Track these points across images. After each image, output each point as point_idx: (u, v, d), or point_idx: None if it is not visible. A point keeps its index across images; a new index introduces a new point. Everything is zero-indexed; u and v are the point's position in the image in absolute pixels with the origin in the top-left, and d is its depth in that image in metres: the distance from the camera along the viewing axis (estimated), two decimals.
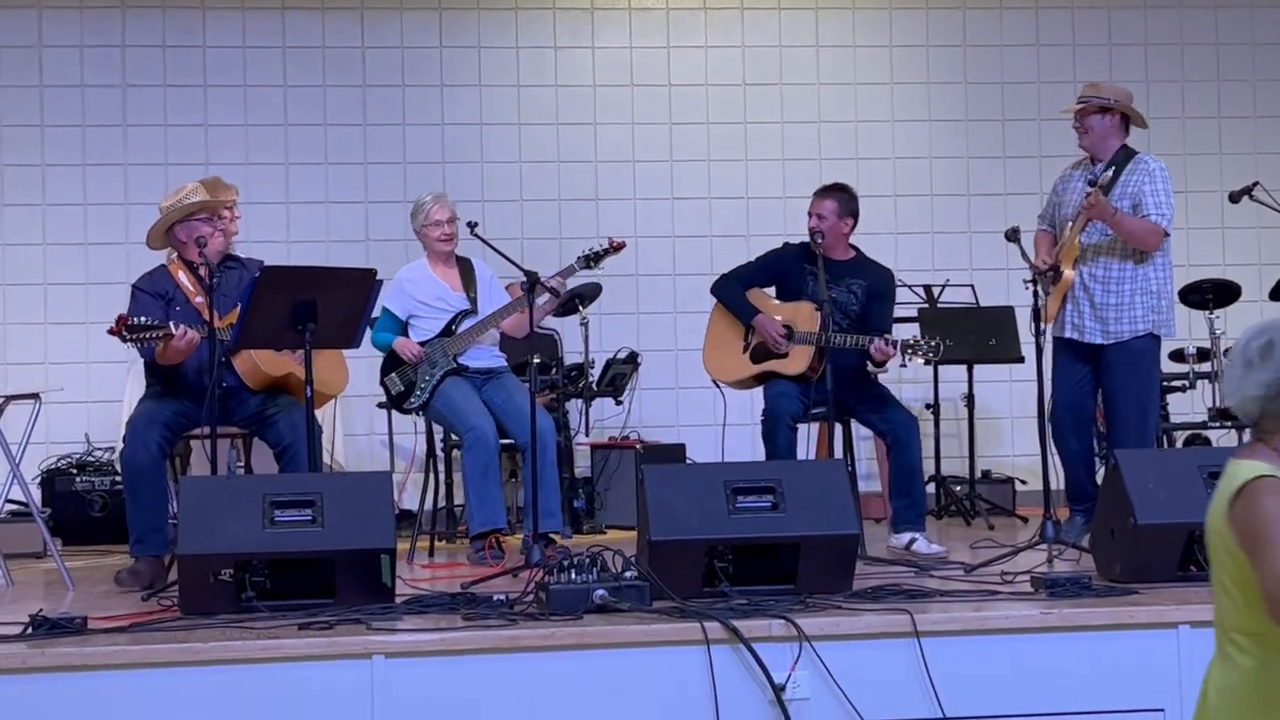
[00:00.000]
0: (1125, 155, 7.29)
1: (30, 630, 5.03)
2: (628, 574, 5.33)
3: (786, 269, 7.43)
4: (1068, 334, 7.27)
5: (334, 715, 4.83)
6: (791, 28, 10.31)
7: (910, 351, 7.00)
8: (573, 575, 5.27)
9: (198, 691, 4.79)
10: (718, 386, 7.67)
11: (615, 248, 7.55)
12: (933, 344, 7.00)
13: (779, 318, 7.33)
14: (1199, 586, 5.49)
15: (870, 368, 7.49)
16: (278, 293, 6.38)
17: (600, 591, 5.20)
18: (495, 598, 5.44)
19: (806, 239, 7.34)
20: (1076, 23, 10.48)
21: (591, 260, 7.52)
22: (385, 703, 4.85)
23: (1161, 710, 5.09)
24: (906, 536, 7.00)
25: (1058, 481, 7.14)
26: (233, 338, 6.53)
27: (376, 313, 7.29)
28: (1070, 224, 7.26)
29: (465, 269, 7.64)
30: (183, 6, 9.77)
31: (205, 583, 5.38)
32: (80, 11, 9.68)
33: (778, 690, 4.93)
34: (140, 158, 9.67)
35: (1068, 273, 7.21)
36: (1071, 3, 10.48)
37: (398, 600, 5.51)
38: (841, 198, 7.38)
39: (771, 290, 7.50)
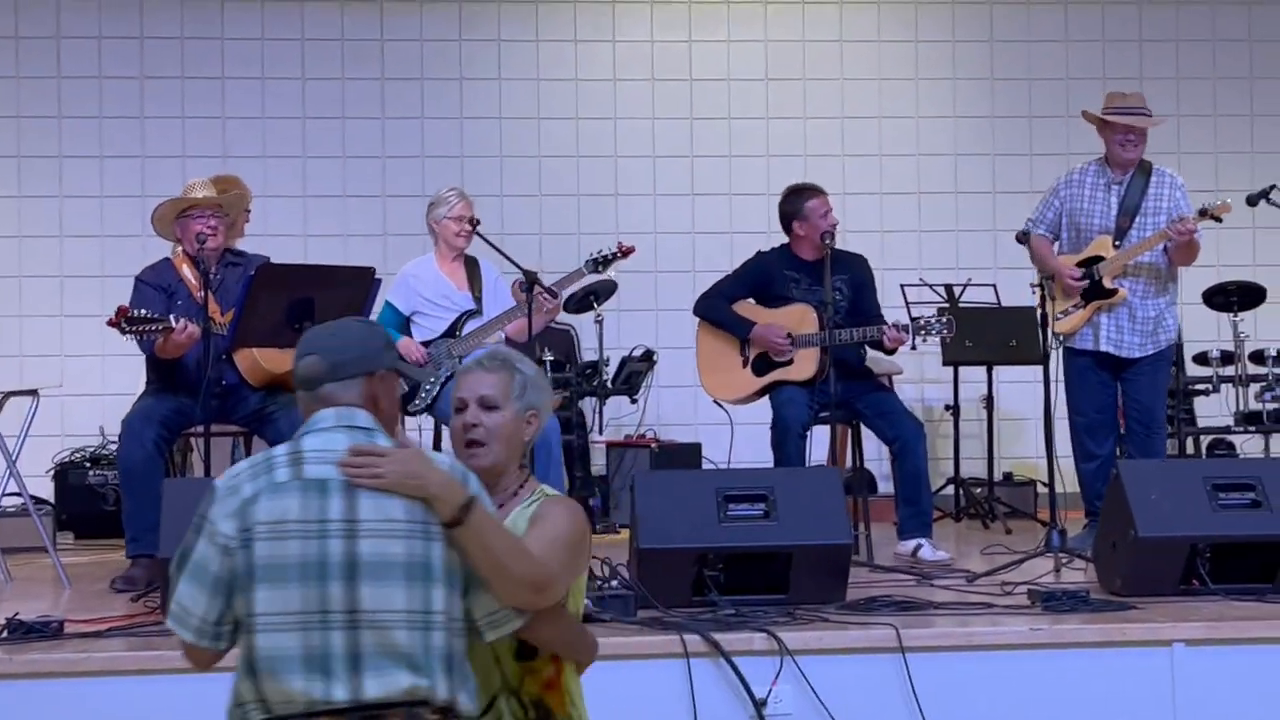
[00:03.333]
0: (1143, 166, 7.27)
1: (5, 634, 4.99)
2: (613, 583, 5.25)
3: (768, 277, 7.34)
4: (1103, 347, 7.15)
5: None
6: (815, 22, 10.19)
7: (923, 332, 6.98)
8: None
9: (167, 700, 4.73)
10: (721, 406, 7.62)
11: (624, 252, 7.46)
12: (944, 320, 7.02)
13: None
14: (1200, 601, 5.41)
15: (884, 356, 7.56)
16: (274, 291, 6.34)
17: (584, 601, 5.11)
18: None
19: (778, 245, 7.40)
20: (1106, 18, 10.32)
21: (600, 264, 7.43)
22: None
23: None
24: (913, 543, 6.90)
25: (1062, 485, 7.02)
26: (228, 336, 6.48)
27: (378, 307, 7.23)
28: (1112, 239, 7.14)
29: (471, 267, 7.55)
30: None
31: None
32: (98, 3, 9.68)
33: (758, 705, 4.84)
34: (157, 150, 9.66)
35: (1121, 290, 7.12)
36: None
37: None
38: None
39: (752, 301, 7.41)
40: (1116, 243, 7.19)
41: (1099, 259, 7.17)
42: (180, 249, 6.93)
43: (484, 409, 3.50)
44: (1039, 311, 6.89)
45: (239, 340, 6.50)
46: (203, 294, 6.64)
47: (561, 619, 3.39)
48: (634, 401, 9.12)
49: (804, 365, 7.13)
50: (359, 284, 6.53)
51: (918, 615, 5.24)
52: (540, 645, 3.40)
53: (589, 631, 3.61)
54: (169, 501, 5.48)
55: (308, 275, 6.56)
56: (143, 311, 6.44)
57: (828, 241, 7.12)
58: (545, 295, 7.01)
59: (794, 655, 4.86)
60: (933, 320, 7.02)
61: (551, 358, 8.56)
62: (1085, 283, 7.12)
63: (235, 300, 6.64)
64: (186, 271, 6.83)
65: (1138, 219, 7.20)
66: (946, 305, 9.20)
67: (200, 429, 6.70)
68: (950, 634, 5.01)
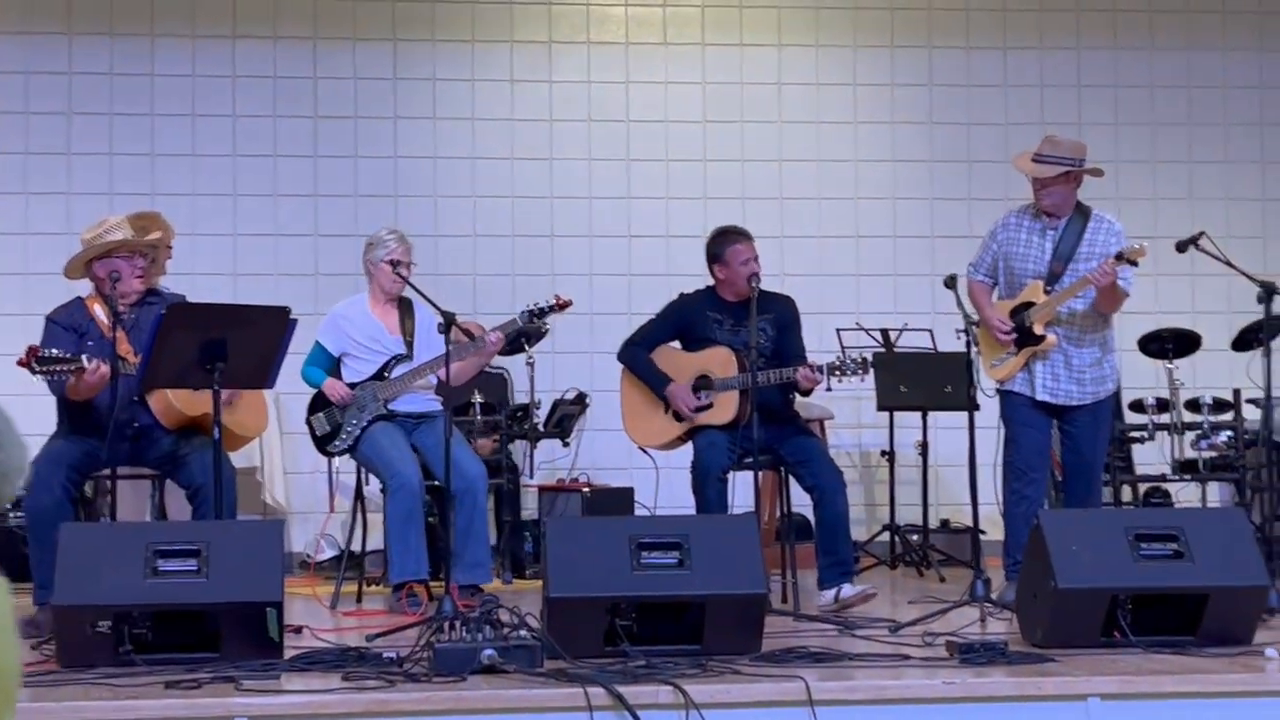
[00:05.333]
0: (1082, 212, 7.09)
1: None
2: (521, 632, 5.11)
3: (691, 319, 7.26)
4: (1040, 396, 6.99)
5: None
6: (753, 64, 10.13)
7: (837, 373, 6.88)
8: (463, 633, 5.06)
9: None
10: (645, 452, 7.53)
11: (561, 305, 7.30)
12: (858, 360, 6.93)
13: (696, 368, 7.15)
14: (1120, 654, 5.31)
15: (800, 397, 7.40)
16: (185, 330, 6.20)
17: (489, 651, 4.97)
18: (386, 656, 5.23)
19: (703, 287, 7.35)
20: (1044, 64, 10.30)
21: (535, 316, 7.26)
22: None
23: None
24: (832, 592, 6.79)
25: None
26: (137, 376, 6.34)
27: (307, 345, 7.10)
28: (1044, 284, 6.98)
29: (405, 309, 7.41)
30: (131, 34, 9.62)
31: (83, 634, 5.16)
32: (26, 37, 9.54)
33: None
34: (84, 187, 9.51)
35: (1050, 337, 6.96)
36: (1040, 43, 10.30)
37: (288, 655, 5.30)
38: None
39: (677, 344, 7.31)
40: (1048, 288, 7.02)
41: (1030, 305, 7.04)
42: (93, 289, 6.81)
43: None
44: (966, 359, 6.78)
45: (148, 381, 6.37)
46: (117, 334, 6.52)
47: None
48: (566, 445, 9.00)
49: (724, 409, 7.04)
50: (273, 323, 6.38)
51: (832, 667, 5.11)
52: None
53: None
54: (66, 547, 5.30)
55: (220, 315, 6.41)
56: (54, 351, 6.31)
57: (754, 284, 7.03)
58: (483, 337, 6.91)
59: (700, 709, 4.71)
60: (847, 361, 6.92)
61: (482, 400, 8.45)
62: (1014, 335, 7.00)
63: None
64: (99, 311, 6.71)
65: (1071, 265, 7.00)
66: (882, 349, 9.13)
67: (108, 472, 6.55)
68: (861, 687, 4.87)
